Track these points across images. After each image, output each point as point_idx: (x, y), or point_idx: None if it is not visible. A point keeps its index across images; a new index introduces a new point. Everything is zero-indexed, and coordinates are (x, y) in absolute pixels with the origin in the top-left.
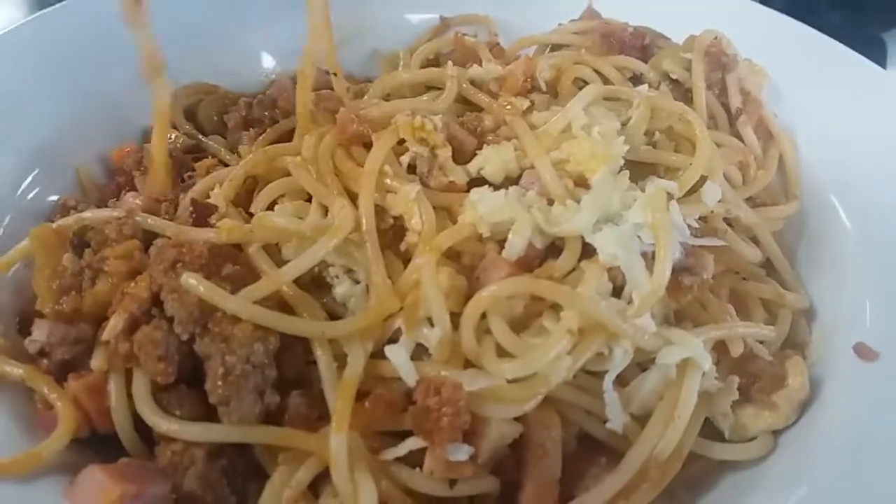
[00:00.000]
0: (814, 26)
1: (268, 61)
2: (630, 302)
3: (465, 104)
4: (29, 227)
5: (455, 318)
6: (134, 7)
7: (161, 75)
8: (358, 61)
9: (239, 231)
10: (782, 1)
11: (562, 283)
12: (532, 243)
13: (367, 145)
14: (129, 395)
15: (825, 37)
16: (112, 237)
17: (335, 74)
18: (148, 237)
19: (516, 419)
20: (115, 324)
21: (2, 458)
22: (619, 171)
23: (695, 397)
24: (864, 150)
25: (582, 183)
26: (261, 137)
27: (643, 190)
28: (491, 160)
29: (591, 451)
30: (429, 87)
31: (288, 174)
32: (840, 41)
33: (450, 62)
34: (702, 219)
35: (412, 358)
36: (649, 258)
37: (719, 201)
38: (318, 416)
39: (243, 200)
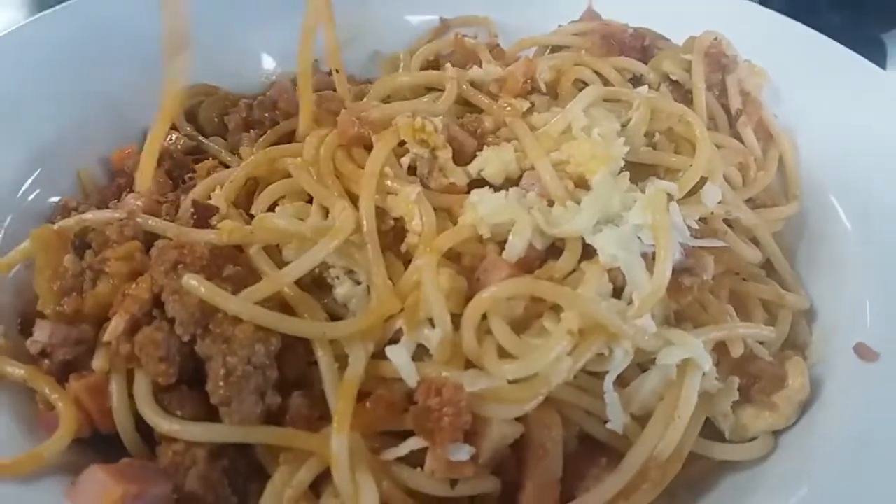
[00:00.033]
0: (813, 27)
1: (268, 63)
2: (630, 303)
3: (466, 106)
4: (30, 229)
5: (456, 318)
6: None
7: (182, 55)
8: (358, 62)
9: (240, 232)
10: (782, 2)
11: (562, 284)
12: (532, 244)
13: (368, 147)
14: (131, 396)
15: (825, 38)
16: (113, 238)
17: (337, 71)
18: (149, 238)
19: (517, 419)
20: (116, 325)
21: (3, 459)
22: (620, 173)
23: (695, 398)
24: (863, 151)
25: (582, 184)
26: (261, 139)
27: (643, 191)
28: (491, 161)
29: (592, 451)
30: (429, 89)
31: (289, 176)
32: (840, 42)
33: (449, 64)
34: (702, 220)
35: (413, 359)
36: (649, 259)
37: (719, 202)
38: (320, 417)
39: (244, 202)
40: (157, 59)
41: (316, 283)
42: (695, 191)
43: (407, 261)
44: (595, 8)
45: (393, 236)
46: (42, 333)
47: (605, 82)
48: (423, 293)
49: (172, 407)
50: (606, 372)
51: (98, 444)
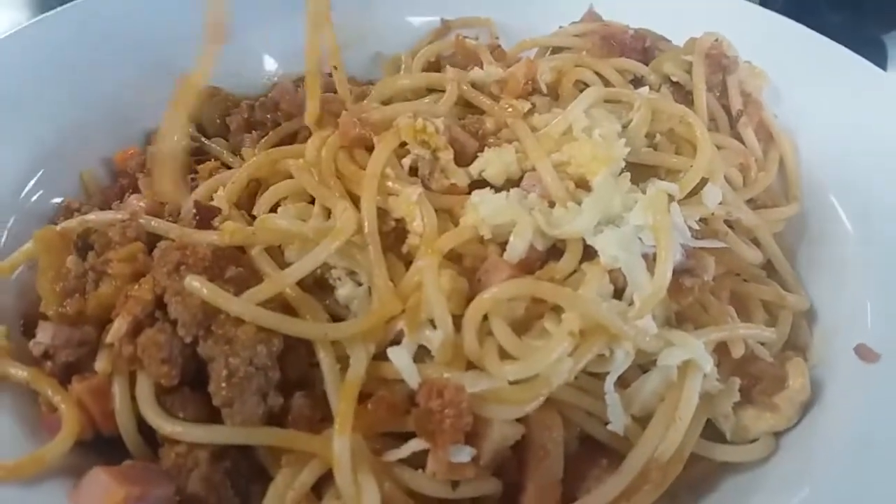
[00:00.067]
0: (814, 28)
1: (270, 64)
2: (631, 304)
3: (467, 107)
4: (33, 230)
5: (457, 320)
6: None
7: (219, 45)
8: (360, 64)
9: (242, 233)
10: (782, 3)
11: (563, 285)
12: (533, 245)
13: (370, 148)
14: (133, 398)
15: (825, 38)
16: (115, 240)
17: (335, 68)
18: (151, 239)
19: (518, 420)
20: (118, 326)
21: (6, 461)
22: (620, 174)
23: (696, 399)
24: (864, 152)
25: (583, 185)
26: (263, 140)
27: (644, 192)
28: (492, 162)
29: (593, 452)
30: (430, 90)
31: (290, 177)
32: (840, 43)
33: (449, 66)
34: (702, 220)
35: (414, 360)
36: (650, 260)
37: (720, 203)
38: (321, 418)
39: (246, 203)
40: (159, 60)
41: (318, 284)
42: (695, 192)
43: (408, 262)
44: (596, 9)
45: (394, 237)
46: (45, 335)
47: (606, 83)
48: (424, 294)
49: (175, 409)
50: (607, 373)
51: (100, 446)
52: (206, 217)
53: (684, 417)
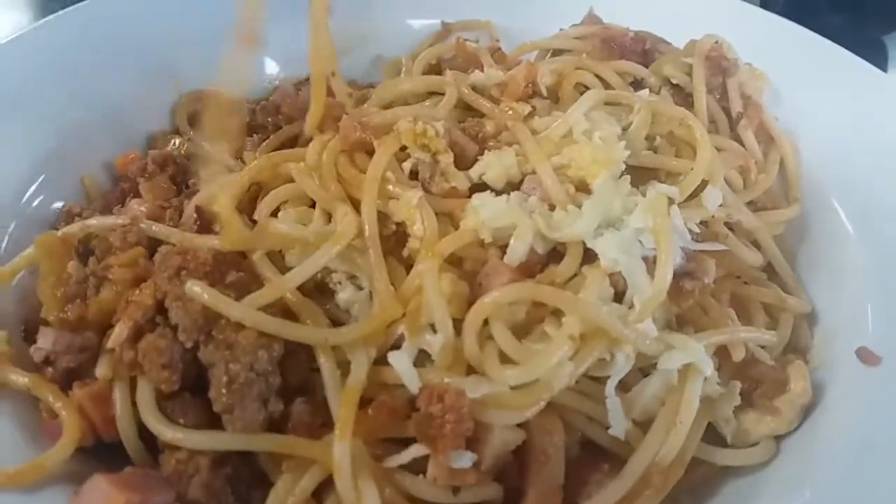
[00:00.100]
0: (814, 29)
1: (271, 67)
2: (631, 307)
3: (467, 110)
4: (34, 235)
5: (457, 324)
6: None
7: (253, 48)
8: (360, 67)
9: (242, 238)
10: (782, 4)
11: (563, 288)
12: (534, 249)
13: (370, 152)
14: (134, 404)
15: (825, 40)
16: (116, 245)
17: (332, 74)
18: (152, 244)
19: (519, 425)
20: (119, 332)
21: (6, 468)
22: (621, 176)
23: (697, 403)
24: (865, 153)
25: (583, 188)
26: (264, 143)
27: (644, 195)
28: (492, 166)
29: (594, 457)
30: (431, 93)
31: (291, 180)
32: (840, 44)
33: (448, 70)
34: (703, 223)
35: (415, 364)
36: (650, 263)
37: (720, 205)
38: (322, 424)
39: (247, 207)
40: (161, 64)
41: (318, 289)
42: (696, 194)
43: (409, 266)
44: (596, 11)
45: (395, 241)
46: (45, 341)
47: (606, 86)
48: (424, 298)
49: (175, 415)
50: (608, 377)
51: (101, 452)
52: (206, 222)
53: (685, 421)
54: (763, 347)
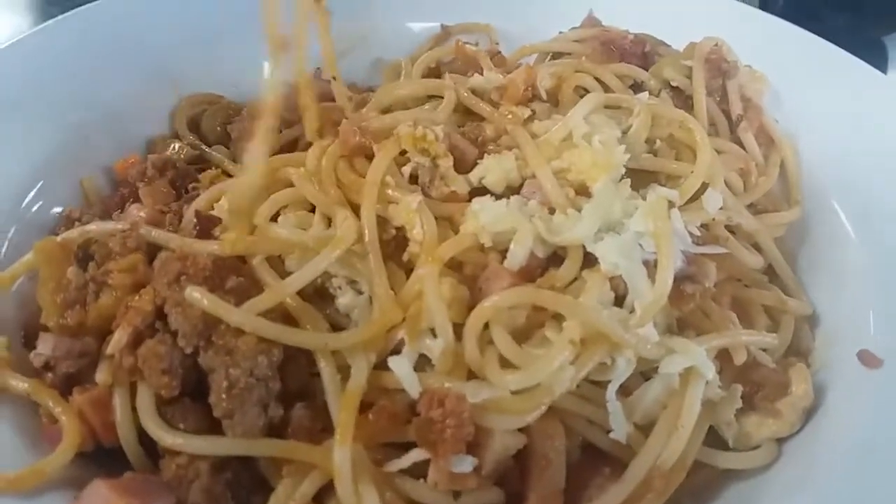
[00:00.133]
0: (814, 31)
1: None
2: (632, 311)
3: (467, 114)
4: (33, 240)
5: (458, 328)
6: None
7: (284, 51)
8: (360, 70)
9: (243, 243)
10: (782, 5)
11: (564, 292)
12: (534, 253)
13: (370, 157)
14: (134, 409)
15: (825, 41)
16: (116, 250)
17: (334, 78)
18: (152, 249)
19: (520, 430)
20: (119, 337)
21: (6, 473)
22: (621, 180)
23: (698, 406)
24: (865, 154)
25: (583, 192)
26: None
27: (644, 198)
28: (492, 170)
29: (595, 461)
30: (431, 97)
31: (291, 185)
32: (840, 45)
33: (448, 73)
34: (703, 226)
35: (415, 369)
36: (651, 267)
37: (721, 208)
38: (322, 429)
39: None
40: (160, 69)
41: (318, 294)
42: (696, 197)
43: (409, 270)
44: (595, 14)
45: (395, 246)
46: (45, 346)
47: (606, 89)
48: (424, 303)
49: (175, 420)
50: (609, 381)
51: (101, 457)
52: (206, 226)
53: (687, 425)
54: (764, 350)
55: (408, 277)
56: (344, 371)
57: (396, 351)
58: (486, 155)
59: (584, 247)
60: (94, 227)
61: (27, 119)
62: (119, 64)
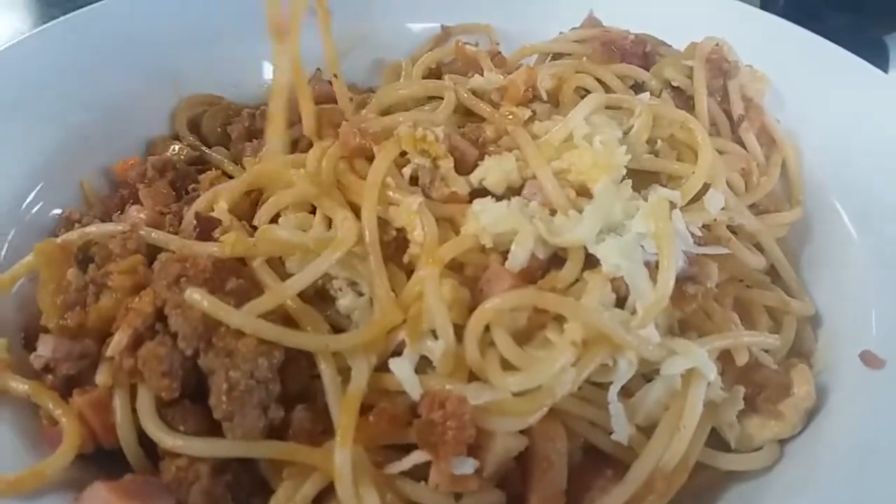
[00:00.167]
0: (815, 30)
1: (270, 72)
2: (634, 312)
3: (467, 114)
4: (33, 242)
5: (459, 329)
6: None
7: (286, 39)
8: (360, 71)
9: (243, 245)
10: (782, 5)
11: (565, 294)
12: (535, 254)
13: (370, 158)
14: (134, 411)
15: (826, 41)
16: (116, 252)
17: (335, 76)
18: (152, 251)
19: (521, 432)
20: (119, 339)
21: (6, 475)
22: (622, 181)
23: (700, 407)
24: (867, 155)
25: (584, 193)
26: (265, 149)
27: (646, 199)
28: (492, 171)
29: (597, 462)
30: (431, 98)
31: (290, 186)
32: (841, 45)
33: (447, 74)
34: (705, 227)
35: (416, 371)
36: (653, 268)
37: (722, 209)
38: (323, 431)
39: (247, 213)
40: (160, 70)
41: (319, 295)
42: (698, 197)
43: (409, 272)
44: (596, 14)
45: (395, 247)
46: (45, 348)
47: (607, 89)
48: (425, 304)
49: (175, 422)
50: (611, 382)
51: (101, 459)
52: (206, 228)
53: (689, 426)
54: (766, 351)
55: (408, 279)
56: (345, 373)
57: (397, 353)
58: (486, 156)
59: (585, 248)
60: (94, 228)
61: (27, 121)
62: (119, 65)
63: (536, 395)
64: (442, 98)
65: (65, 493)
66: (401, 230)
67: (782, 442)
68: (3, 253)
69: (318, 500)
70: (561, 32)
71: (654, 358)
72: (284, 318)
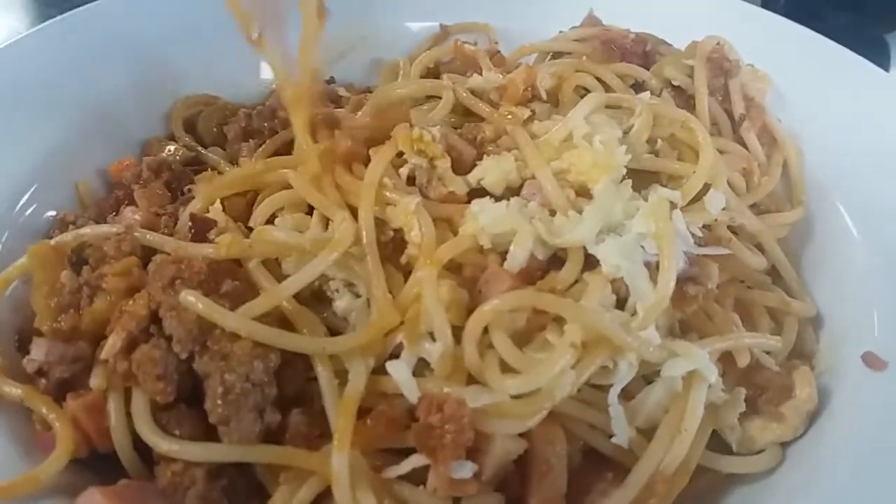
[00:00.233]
0: (816, 29)
1: (267, 71)
2: (634, 314)
3: (466, 114)
4: (27, 244)
5: (457, 331)
6: None
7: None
8: (358, 70)
9: (238, 246)
10: (783, 4)
11: (565, 295)
12: (534, 255)
13: (366, 161)
14: (129, 415)
15: (827, 40)
16: (110, 254)
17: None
18: (147, 253)
19: (520, 435)
20: (113, 342)
21: (0, 481)
22: (622, 181)
23: (701, 410)
24: (868, 154)
25: (584, 193)
26: (261, 149)
27: (646, 199)
28: (491, 171)
29: (597, 465)
30: (429, 97)
31: (287, 187)
32: (842, 44)
33: (446, 74)
34: (706, 227)
35: (414, 373)
36: (653, 268)
37: (723, 209)
38: (320, 434)
39: (243, 213)
40: (156, 71)
41: (315, 297)
42: (698, 197)
43: (407, 273)
44: (596, 13)
45: (392, 248)
46: (39, 352)
47: (607, 89)
48: (423, 306)
49: (171, 426)
50: (611, 385)
51: (96, 463)
52: (201, 230)
53: (690, 429)
54: (768, 353)
55: (406, 280)
56: (342, 376)
57: (395, 355)
58: (485, 156)
59: (585, 248)
60: (89, 230)
61: (21, 121)
62: (115, 65)
63: (536, 397)
64: (440, 98)
65: (59, 498)
66: (398, 230)
67: (784, 444)
68: None
69: None
70: (561, 31)
71: (654, 360)
72: (280, 320)
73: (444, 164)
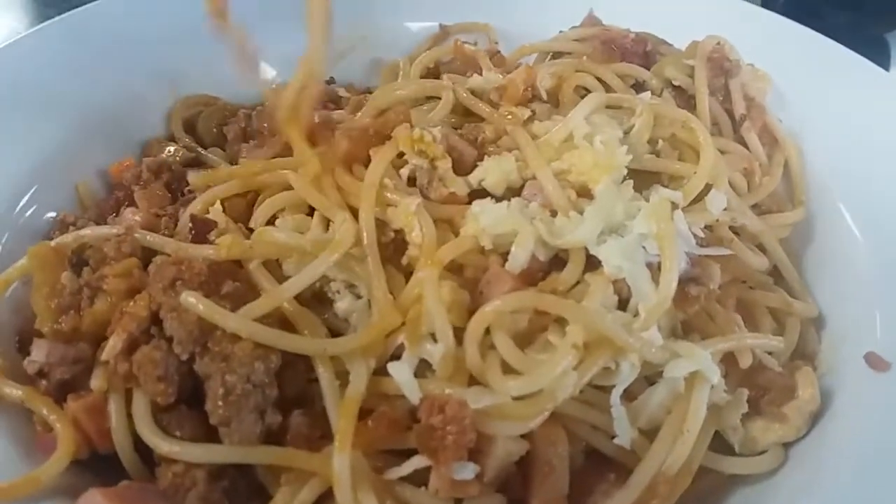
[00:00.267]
0: (815, 28)
1: (267, 72)
2: (636, 314)
3: (466, 114)
4: (27, 245)
5: (458, 332)
6: None
7: (224, 19)
8: (358, 70)
9: (239, 247)
10: (783, 3)
11: (566, 296)
12: (535, 256)
13: (366, 162)
14: (130, 416)
15: (827, 39)
16: (111, 255)
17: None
18: (147, 254)
19: (522, 436)
20: (114, 344)
21: (0, 482)
22: (623, 181)
23: (704, 411)
24: (868, 154)
25: (585, 193)
26: (264, 148)
27: (647, 199)
28: (492, 171)
29: (599, 466)
30: (429, 97)
31: (288, 188)
32: (842, 43)
33: (445, 74)
34: (707, 227)
35: (416, 375)
36: (655, 269)
37: (725, 209)
38: (321, 436)
39: (243, 214)
40: (156, 71)
41: (316, 298)
42: (700, 198)
43: (408, 274)
44: (596, 13)
45: (393, 249)
46: (39, 353)
47: (607, 89)
48: (424, 307)
49: (171, 427)
50: (613, 386)
51: (96, 465)
52: (202, 231)
53: (692, 430)
54: (770, 353)
55: (407, 281)
56: (343, 377)
57: (396, 356)
58: (485, 156)
59: (586, 249)
60: (89, 231)
61: (21, 122)
62: (114, 66)
63: (538, 398)
64: (440, 98)
65: (60, 499)
66: (399, 231)
67: (787, 445)
68: None
69: None
70: (561, 31)
71: (656, 360)
72: (281, 321)
73: (444, 165)
